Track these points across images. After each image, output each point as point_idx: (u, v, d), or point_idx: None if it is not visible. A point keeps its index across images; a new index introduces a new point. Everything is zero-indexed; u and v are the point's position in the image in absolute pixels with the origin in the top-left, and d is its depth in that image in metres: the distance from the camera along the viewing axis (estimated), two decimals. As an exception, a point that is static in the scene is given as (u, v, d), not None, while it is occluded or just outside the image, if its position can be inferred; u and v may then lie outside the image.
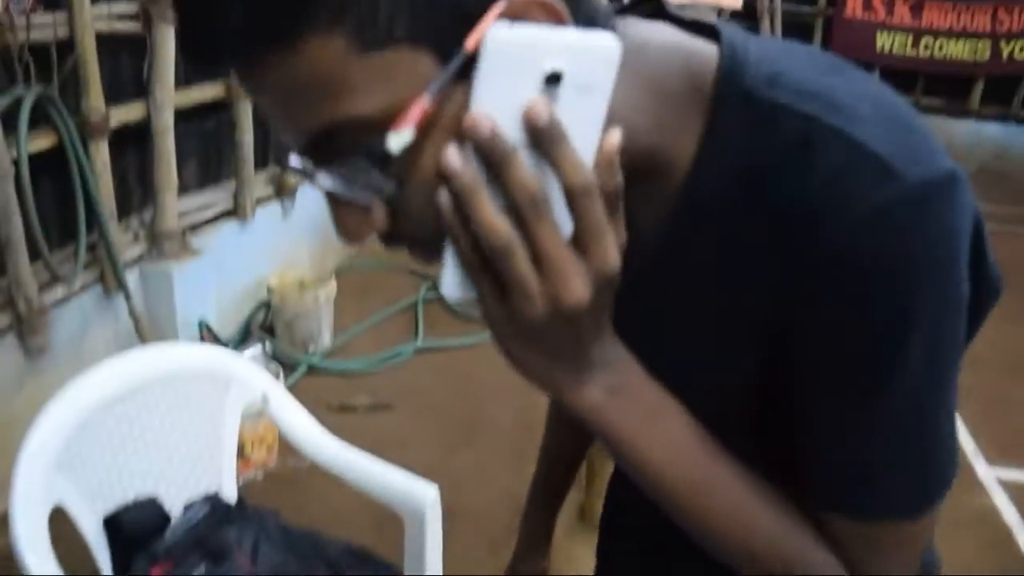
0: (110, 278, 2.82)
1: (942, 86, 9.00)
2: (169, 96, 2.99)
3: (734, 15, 8.93)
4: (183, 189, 3.24)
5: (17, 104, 2.35)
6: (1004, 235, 6.51)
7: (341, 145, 0.47)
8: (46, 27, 2.47)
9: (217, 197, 3.52)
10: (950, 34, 8.76)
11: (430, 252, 0.52)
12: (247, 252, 3.67)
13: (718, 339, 0.61)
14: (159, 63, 2.93)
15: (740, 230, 0.55)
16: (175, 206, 3.12)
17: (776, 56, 0.56)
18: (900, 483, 0.57)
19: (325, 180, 0.50)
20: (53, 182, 2.63)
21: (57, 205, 2.66)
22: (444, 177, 0.45)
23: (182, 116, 3.15)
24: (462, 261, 0.48)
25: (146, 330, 2.89)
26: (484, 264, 0.47)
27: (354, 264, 4.66)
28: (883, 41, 8.93)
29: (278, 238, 3.96)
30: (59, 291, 2.63)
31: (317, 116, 0.47)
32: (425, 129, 0.46)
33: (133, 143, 3.01)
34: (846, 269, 0.50)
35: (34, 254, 2.49)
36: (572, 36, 0.46)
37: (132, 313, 2.83)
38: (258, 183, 3.77)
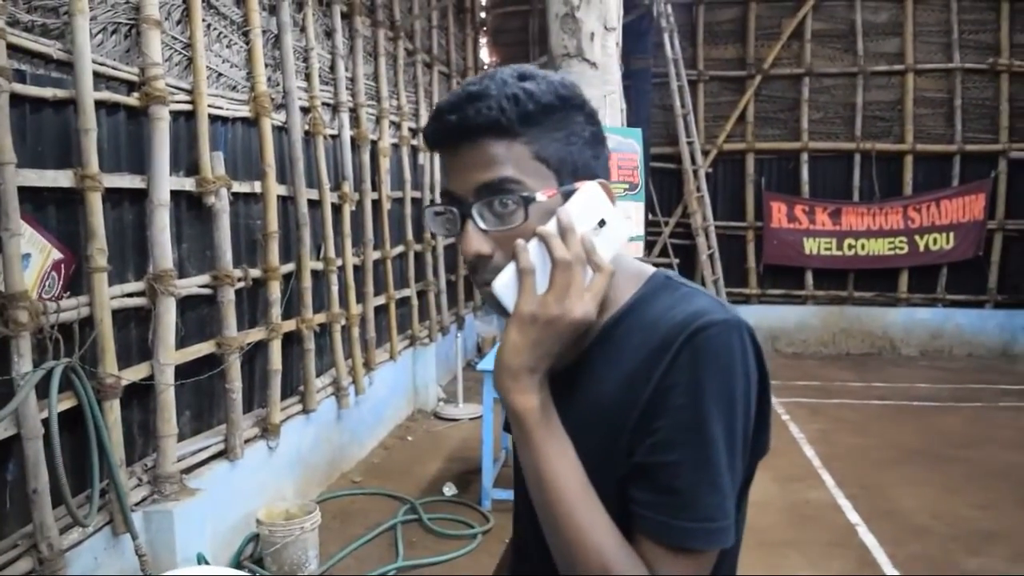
0: (119, 520, 3.15)
1: (871, 280, 9.77)
2: (170, 356, 3.47)
3: (674, 233, 9.83)
4: (180, 435, 3.65)
5: (47, 374, 2.80)
6: (946, 410, 6.98)
7: (508, 189, 0.94)
8: (71, 309, 2.98)
9: (210, 440, 3.91)
10: (869, 234, 9.60)
11: (491, 272, 0.96)
12: (237, 489, 4.02)
13: (606, 423, 0.96)
14: (162, 329, 3.43)
15: (638, 343, 0.96)
16: (174, 451, 3.51)
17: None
18: (694, 513, 0.88)
19: (481, 210, 0.95)
20: (70, 436, 3.02)
21: (72, 456, 3.04)
22: (536, 233, 0.93)
23: (179, 371, 3.62)
24: (522, 270, 0.93)
25: (151, 567, 3.18)
26: (530, 275, 0.93)
27: (335, 493, 4.99)
28: (810, 246, 9.77)
29: (265, 474, 4.31)
30: (74, 534, 2.95)
31: (508, 171, 0.94)
32: (547, 200, 0.95)
33: (138, 397, 3.44)
34: (697, 354, 0.89)
35: (55, 501, 2.84)
36: (615, 211, 0.99)
37: (139, 552, 3.13)
38: (246, 425, 4.18)
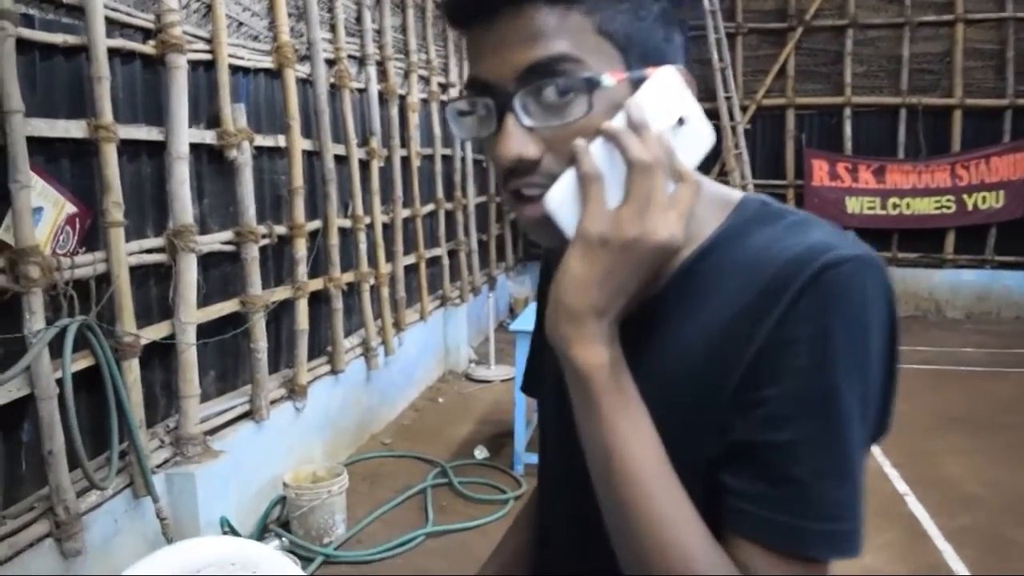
0: (139, 483, 3.06)
1: (916, 241, 9.44)
2: (192, 315, 3.36)
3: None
4: (204, 396, 3.55)
5: (61, 332, 2.69)
6: (994, 376, 6.73)
7: (564, 71, 0.70)
8: (87, 265, 2.86)
9: (235, 401, 3.82)
10: (914, 192, 9.26)
11: (536, 184, 0.74)
12: (263, 451, 3.93)
13: (690, 389, 0.74)
14: (183, 287, 3.32)
15: (735, 286, 0.74)
16: (197, 412, 3.41)
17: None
18: (819, 510, 0.67)
19: (526, 101, 0.72)
20: (88, 396, 2.94)
21: (91, 417, 2.95)
22: (601, 130, 0.71)
23: (202, 330, 3.51)
24: (585, 177, 0.71)
25: (172, 530, 3.10)
26: (597, 184, 0.70)
27: (364, 455, 4.90)
28: (853, 205, 9.45)
29: (292, 436, 4.22)
30: (92, 497, 2.87)
31: (564, 47, 0.70)
32: (615, 86, 0.72)
33: (159, 357, 3.34)
34: (827, 298, 0.68)
35: (72, 463, 2.75)
36: (699, 110, 0.76)
37: (159, 515, 3.05)
38: (272, 386, 4.08)
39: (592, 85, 0.71)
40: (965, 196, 9.16)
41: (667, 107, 0.74)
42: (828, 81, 9.53)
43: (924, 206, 9.29)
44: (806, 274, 0.69)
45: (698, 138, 0.76)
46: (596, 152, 0.72)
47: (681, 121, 0.75)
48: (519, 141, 0.73)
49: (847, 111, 9.39)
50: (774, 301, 0.70)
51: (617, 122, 0.72)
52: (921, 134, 9.25)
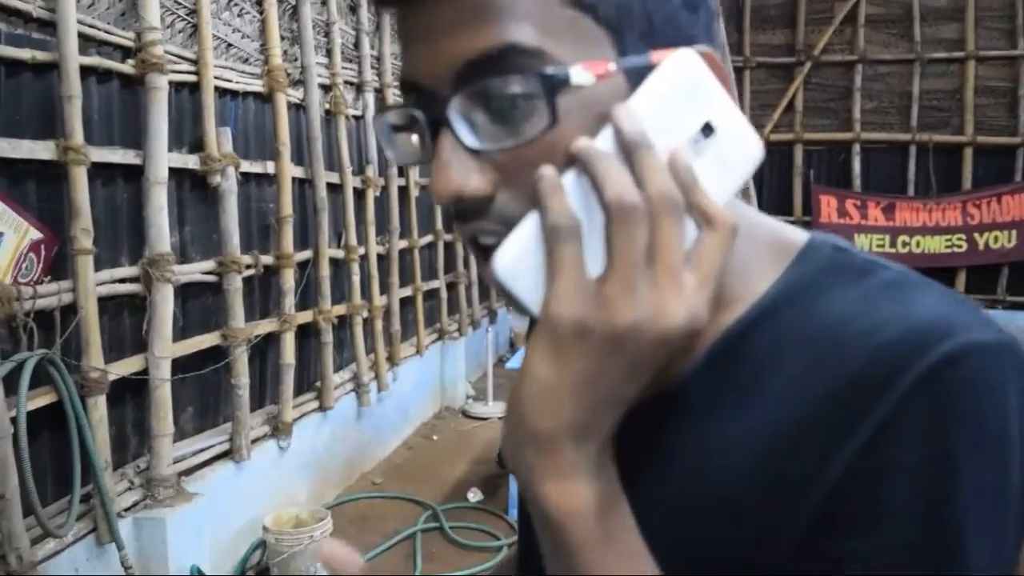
0: (103, 528, 2.86)
1: (926, 279, 9.24)
2: (167, 349, 3.17)
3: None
4: (180, 434, 3.35)
5: (19, 367, 2.51)
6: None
7: (517, 65, 0.47)
8: (51, 295, 2.69)
9: (213, 440, 3.62)
10: (924, 231, 9.09)
11: (490, 228, 0.51)
12: (243, 492, 3.72)
13: (728, 522, 0.52)
14: (158, 319, 3.14)
15: (796, 374, 0.51)
16: (170, 452, 3.22)
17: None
18: None
19: (468, 110, 0.49)
20: (50, 435, 2.75)
21: (53, 457, 2.76)
22: (572, 153, 0.47)
23: (180, 364, 3.33)
24: (552, 230, 0.46)
25: (137, 580, 2.89)
26: (569, 241, 0.46)
27: (353, 496, 4.68)
28: (861, 242, 9.23)
29: (274, 476, 4.01)
30: (51, 544, 2.67)
31: (517, 31, 0.47)
32: (594, 85, 0.48)
33: (131, 392, 3.15)
34: (949, 409, 0.45)
35: (28, 508, 2.55)
36: (737, 111, 0.50)
37: (124, 563, 2.84)
38: (254, 423, 3.88)
39: (554, 84, 0.47)
40: (976, 235, 8.97)
41: (686, 110, 0.49)
42: (837, 117, 9.40)
43: (934, 245, 9.10)
44: (918, 368, 0.45)
45: (737, 153, 0.50)
46: (571, 188, 0.47)
47: (707, 130, 0.50)
48: (459, 170, 0.49)
49: (856, 147, 9.24)
50: (867, 405, 0.46)
51: (601, 139, 0.48)
52: (931, 171, 9.09)
